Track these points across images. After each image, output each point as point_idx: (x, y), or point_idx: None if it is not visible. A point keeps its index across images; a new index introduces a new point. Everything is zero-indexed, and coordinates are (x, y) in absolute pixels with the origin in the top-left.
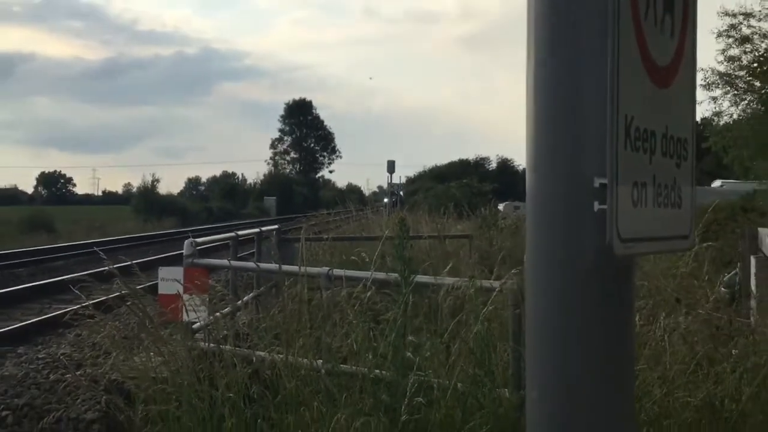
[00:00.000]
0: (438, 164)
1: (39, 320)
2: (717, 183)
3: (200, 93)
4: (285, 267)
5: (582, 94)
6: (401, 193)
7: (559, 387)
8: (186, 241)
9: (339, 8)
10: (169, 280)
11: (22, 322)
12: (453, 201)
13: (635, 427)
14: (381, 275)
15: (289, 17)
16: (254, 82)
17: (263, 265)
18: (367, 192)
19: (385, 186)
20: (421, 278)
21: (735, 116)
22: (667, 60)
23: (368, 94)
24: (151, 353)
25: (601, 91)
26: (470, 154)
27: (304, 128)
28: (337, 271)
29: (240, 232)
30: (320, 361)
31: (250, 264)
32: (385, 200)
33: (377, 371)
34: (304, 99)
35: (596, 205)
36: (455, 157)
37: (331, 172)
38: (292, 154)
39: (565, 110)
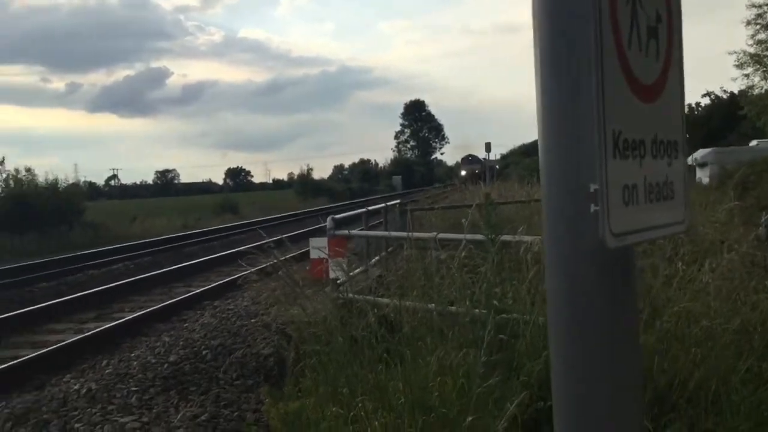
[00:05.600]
0: (524, 143)
1: (227, 281)
2: (753, 142)
3: (340, 100)
4: (396, 233)
5: (579, 114)
6: (497, 166)
7: (577, 353)
8: (328, 218)
9: (442, 29)
10: (317, 247)
11: (215, 282)
12: (537, 172)
13: (641, 366)
14: (472, 237)
15: (403, 38)
16: (380, 89)
17: (373, 233)
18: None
19: (483, 159)
20: (505, 238)
21: (765, 88)
22: (652, 78)
23: (467, 92)
24: (301, 306)
25: (594, 112)
26: None
27: (420, 122)
28: (441, 235)
29: (370, 207)
30: (432, 305)
31: (372, 232)
32: (462, 173)
33: (475, 311)
34: (419, 99)
35: (592, 207)
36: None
37: (441, 154)
38: (411, 142)
39: (566, 129)
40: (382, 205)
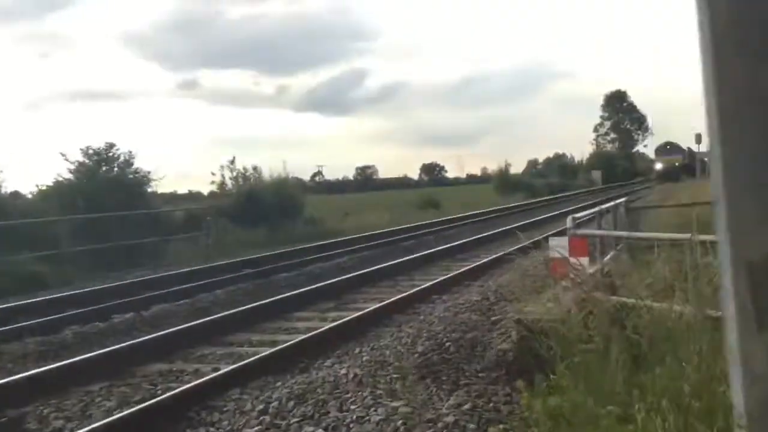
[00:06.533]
0: None
1: (451, 275)
2: None
3: (533, 93)
4: (644, 234)
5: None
6: (706, 159)
7: None
8: (568, 218)
9: None
10: (557, 247)
11: (439, 276)
12: None
13: None
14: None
15: None
16: (575, 80)
17: (619, 233)
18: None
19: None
20: None
21: None
22: None
23: (673, 79)
24: (544, 304)
25: None
26: None
27: (621, 113)
28: (702, 237)
29: (603, 206)
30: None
31: (615, 232)
32: (658, 166)
33: None
34: (620, 90)
35: None
36: None
37: (645, 146)
38: (611, 135)
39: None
40: (612, 203)
